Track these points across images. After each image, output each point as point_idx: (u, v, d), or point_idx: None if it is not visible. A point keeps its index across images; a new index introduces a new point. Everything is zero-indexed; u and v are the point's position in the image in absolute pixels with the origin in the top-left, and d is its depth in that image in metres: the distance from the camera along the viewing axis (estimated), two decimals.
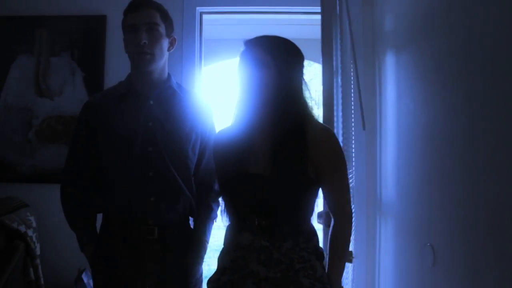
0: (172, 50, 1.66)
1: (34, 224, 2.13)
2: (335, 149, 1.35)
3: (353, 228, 1.42)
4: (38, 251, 2.11)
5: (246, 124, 1.35)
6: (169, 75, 1.66)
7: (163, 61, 1.61)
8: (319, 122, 1.40)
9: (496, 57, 1.30)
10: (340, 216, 1.36)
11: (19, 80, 2.47)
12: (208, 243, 1.67)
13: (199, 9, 2.49)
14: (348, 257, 1.41)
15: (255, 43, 1.34)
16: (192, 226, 1.69)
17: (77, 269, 2.18)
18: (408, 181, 1.96)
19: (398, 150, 2.11)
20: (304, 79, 1.38)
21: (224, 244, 1.39)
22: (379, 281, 2.33)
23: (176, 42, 1.68)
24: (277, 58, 1.31)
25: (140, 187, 1.54)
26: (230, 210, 1.38)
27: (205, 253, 1.66)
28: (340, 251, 1.36)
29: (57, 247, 1.56)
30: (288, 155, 1.28)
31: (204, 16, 2.53)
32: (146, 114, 1.57)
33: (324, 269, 1.33)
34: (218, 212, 1.71)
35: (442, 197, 1.63)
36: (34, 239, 2.09)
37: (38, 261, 2.09)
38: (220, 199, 1.42)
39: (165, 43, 1.59)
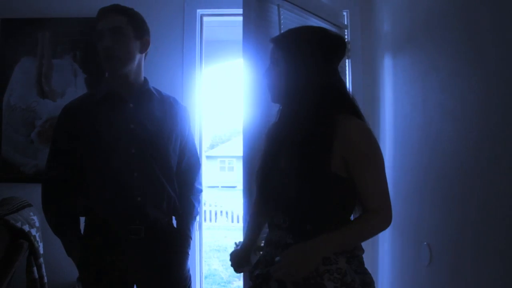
0: (145, 52, 1.65)
1: (37, 224, 2.15)
2: (366, 143, 1.23)
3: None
4: (41, 250, 2.13)
5: (276, 120, 1.35)
6: (145, 78, 1.67)
7: (135, 63, 1.61)
8: (354, 117, 1.27)
9: (491, 60, 1.32)
10: (368, 212, 1.24)
11: (22, 82, 2.49)
12: (192, 239, 1.70)
13: (199, 11, 2.51)
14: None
15: (273, 41, 1.31)
16: (175, 225, 1.72)
17: None
18: (405, 181, 1.98)
19: (395, 151, 2.13)
20: (332, 70, 1.27)
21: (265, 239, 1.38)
22: (376, 280, 2.36)
23: (150, 44, 1.65)
24: (289, 53, 1.25)
25: (126, 188, 1.55)
26: (264, 207, 1.38)
27: (189, 249, 1.69)
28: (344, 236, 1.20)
29: (60, 246, 1.58)
30: (305, 149, 1.21)
31: (205, 18, 2.55)
32: (128, 117, 1.58)
33: (357, 273, 1.22)
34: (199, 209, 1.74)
35: (439, 197, 1.65)
36: (37, 238, 2.11)
37: (41, 260, 2.11)
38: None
39: (134, 45, 1.59)
